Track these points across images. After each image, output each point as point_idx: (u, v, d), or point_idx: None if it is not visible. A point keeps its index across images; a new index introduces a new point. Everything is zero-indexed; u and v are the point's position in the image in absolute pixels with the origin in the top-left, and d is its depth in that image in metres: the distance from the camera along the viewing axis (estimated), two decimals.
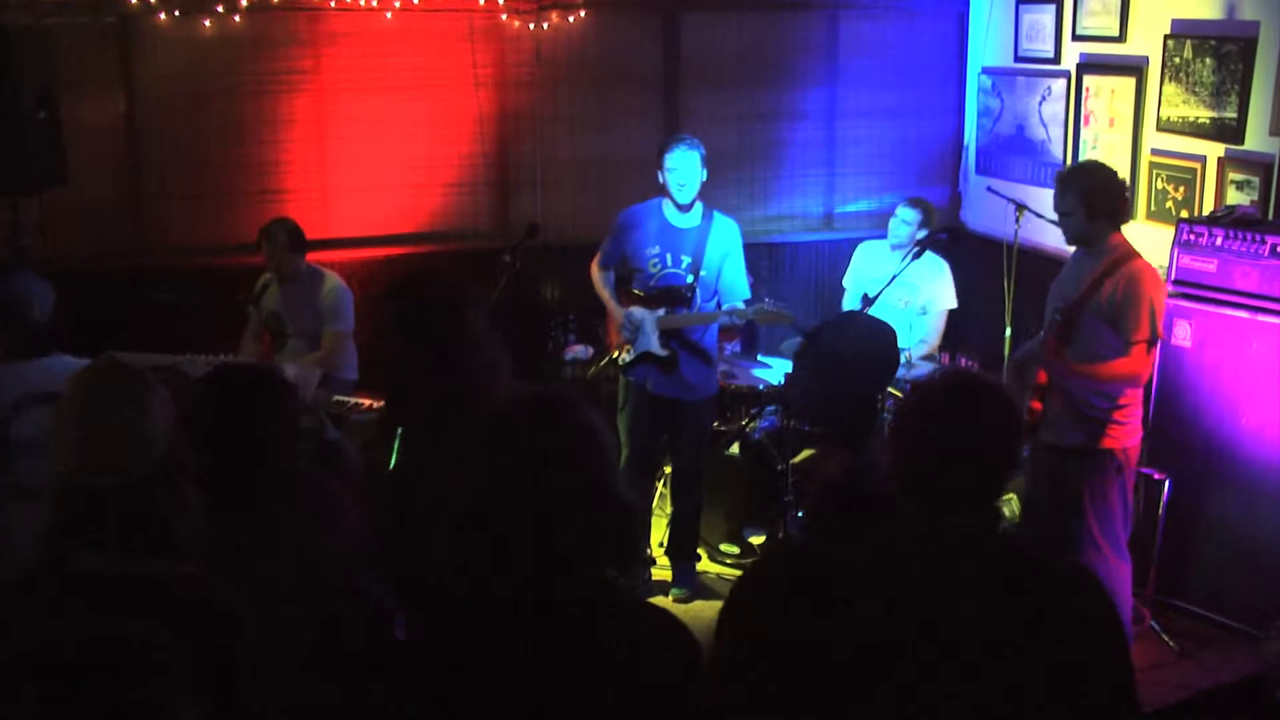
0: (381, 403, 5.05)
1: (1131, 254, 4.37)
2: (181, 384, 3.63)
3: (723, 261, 5.05)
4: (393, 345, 3.38)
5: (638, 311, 5.06)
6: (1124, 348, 4.26)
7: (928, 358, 5.86)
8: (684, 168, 4.90)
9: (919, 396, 2.23)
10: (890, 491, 2.49)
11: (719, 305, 5.07)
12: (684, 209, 5.00)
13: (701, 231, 5.01)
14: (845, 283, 6.22)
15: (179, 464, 2.16)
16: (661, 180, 4.98)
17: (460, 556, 1.85)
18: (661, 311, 5.03)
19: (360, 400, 5.06)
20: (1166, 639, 4.75)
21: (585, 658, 1.82)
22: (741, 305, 5.00)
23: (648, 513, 5.40)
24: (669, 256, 5.03)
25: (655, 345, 5.01)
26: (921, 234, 5.75)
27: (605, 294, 5.21)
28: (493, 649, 1.83)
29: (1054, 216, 4.51)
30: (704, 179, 4.98)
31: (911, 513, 2.16)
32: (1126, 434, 4.41)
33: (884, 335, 3.35)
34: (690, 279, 5.00)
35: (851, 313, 4.95)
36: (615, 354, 5.20)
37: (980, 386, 2.18)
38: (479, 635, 1.83)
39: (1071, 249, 4.52)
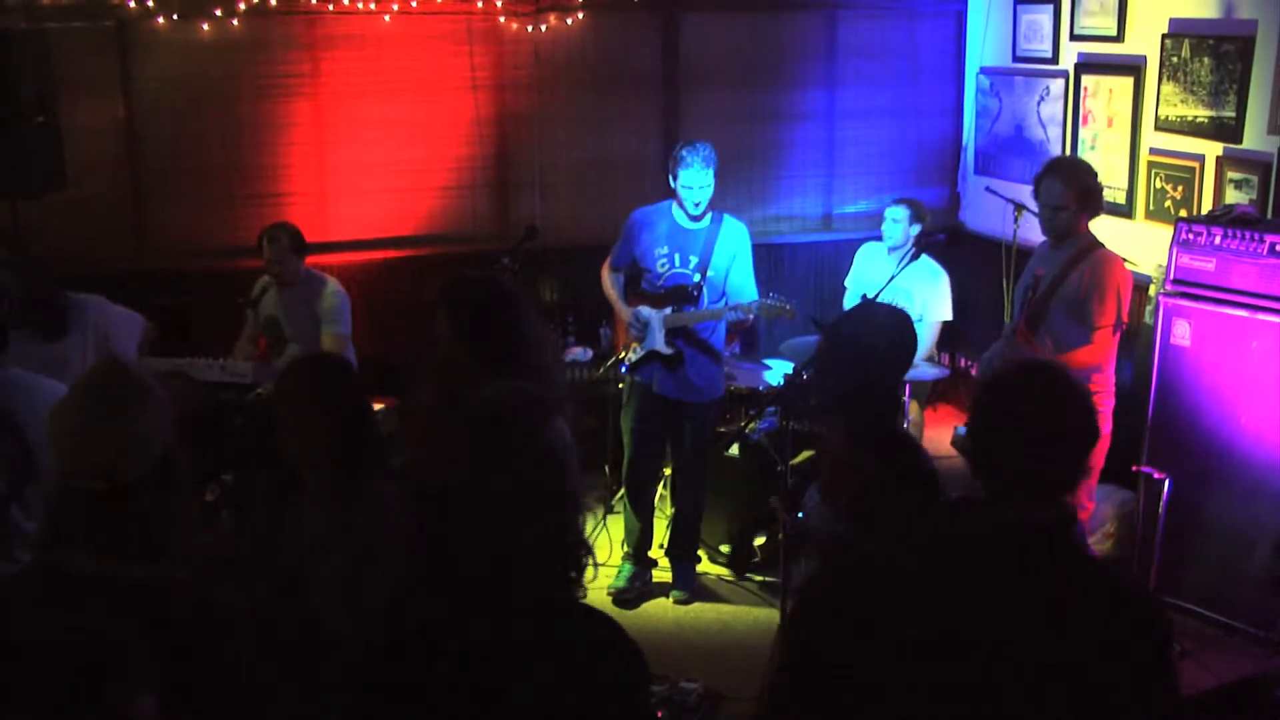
0: (382, 404, 5.06)
1: (1096, 243, 4.54)
2: (187, 387, 3.59)
3: (731, 263, 5.05)
4: (447, 351, 3.13)
5: (645, 310, 5.07)
6: (1089, 334, 4.36)
7: (926, 359, 5.87)
8: (698, 184, 4.90)
9: (1000, 379, 2.19)
10: (930, 480, 2.47)
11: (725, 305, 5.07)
12: (695, 219, 5.01)
13: (710, 233, 5.02)
14: (846, 283, 6.23)
15: (176, 467, 2.16)
16: (673, 185, 4.99)
17: (433, 553, 1.86)
18: (668, 310, 5.05)
19: None
20: None
21: (537, 658, 1.83)
22: (746, 302, 5.01)
23: (649, 512, 5.39)
24: (677, 257, 5.04)
25: (661, 343, 5.02)
26: (915, 229, 5.78)
27: (614, 295, 5.23)
28: (454, 651, 1.83)
29: None
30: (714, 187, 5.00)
31: (978, 500, 2.12)
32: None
33: (900, 320, 3.34)
34: (697, 278, 5.01)
35: (865, 302, 4.95)
36: (623, 354, 5.22)
37: (1063, 373, 2.16)
38: (441, 637, 1.84)
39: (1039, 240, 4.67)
